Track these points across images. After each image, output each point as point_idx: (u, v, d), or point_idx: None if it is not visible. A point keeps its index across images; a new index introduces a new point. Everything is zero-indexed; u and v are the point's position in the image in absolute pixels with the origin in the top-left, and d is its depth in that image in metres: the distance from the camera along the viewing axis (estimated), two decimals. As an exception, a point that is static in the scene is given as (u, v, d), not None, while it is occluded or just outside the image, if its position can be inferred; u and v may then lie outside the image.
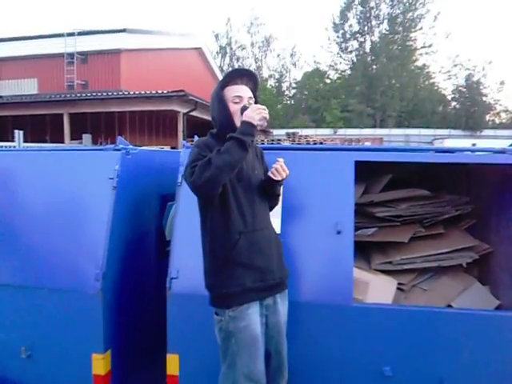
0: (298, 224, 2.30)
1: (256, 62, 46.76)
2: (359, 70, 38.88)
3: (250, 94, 1.96)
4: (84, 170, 2.57)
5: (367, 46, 40.58)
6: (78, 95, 13.65)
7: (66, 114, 13.15)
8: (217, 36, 46.04)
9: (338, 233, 2.22)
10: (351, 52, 41.70)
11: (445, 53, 57.69)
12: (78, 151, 2.97)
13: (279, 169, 1.90)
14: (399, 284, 2.48)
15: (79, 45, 16.40)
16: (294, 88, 46.46)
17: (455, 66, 38.01)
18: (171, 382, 2.28)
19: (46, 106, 13.36)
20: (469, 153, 2.53)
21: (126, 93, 13.45)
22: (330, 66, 43.43)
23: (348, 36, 40.97)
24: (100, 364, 2.36)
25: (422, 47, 39.67)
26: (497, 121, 39.79)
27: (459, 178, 3.02)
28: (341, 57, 42.36)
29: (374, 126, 34.93)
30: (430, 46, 39.27)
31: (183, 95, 12.35)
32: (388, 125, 35.38)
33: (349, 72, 41.83)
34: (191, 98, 12.79)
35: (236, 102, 1.91)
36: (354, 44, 41.25)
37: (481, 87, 36.16)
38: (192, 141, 2.34)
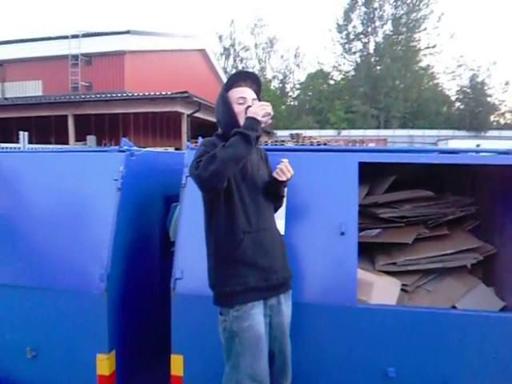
0: (301, 225, 2.30)
1: (260, 63, 46.79)
2: (363, 71, 38.78)
3: (254, 96, 1.98)
4: (88, 172, 2.58)
5: (371, 47, 40.45)
6: (83, 97, 13.70)
7: (71, 115, 13.20)
8: (220, 37, 46.11)
9: (342, 234, 2.23)
10: (355, 53, 41.56)
11: (449, 53, 57.63)
12: (82, 153, 2.99)
13: (284, 169, 1.91)
14: (403, 285, 2.48)
15: (83, 46, 16.48)
16: (297, 89, 46.41)
17: (459, 66, 37.78)
18: (175, 382, 2.29)
19: (50, 108, 13.43)
20: (473, 154, 2.52)
21: (130, 94, 13.51)
22: (334, 66, 43.35)
23: (352, 37, 40.84)
24: (105, 364, 2.37)
25: (425, 48, 39.47)
26: (502, 121, 39.52)
27: (463, 179, 3.01)
28: (344, 58, 42.26)
29: (378, 127, 34.80)
30: (434, 46, 39.08)
31: (187, 96, 12.37)
32: (392, 126, 35.24)
33: (352, 73, 41.70)
34: (195, 99, 12.81)
35: (240, 103, 1.93)
36: (358, 45, 41.11)
37: (485, 88, 35.90)
38: (196, 142, 2.35)
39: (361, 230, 2.57)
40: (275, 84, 46.61)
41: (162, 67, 18.17)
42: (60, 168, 2.66)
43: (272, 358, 1.94)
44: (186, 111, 13.33)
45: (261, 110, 1.79)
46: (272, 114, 1.82)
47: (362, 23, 40.14)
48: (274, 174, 1.94)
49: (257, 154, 2.06)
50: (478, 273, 2.69)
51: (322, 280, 2.26)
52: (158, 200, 2.94)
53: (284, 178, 1.92)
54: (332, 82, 42.69)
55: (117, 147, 2.70)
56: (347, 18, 40.27)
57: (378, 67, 39.07)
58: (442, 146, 25.21)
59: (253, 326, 1.82)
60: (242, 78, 2.00)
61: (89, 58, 16.82)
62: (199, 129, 13.18)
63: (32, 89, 17.28)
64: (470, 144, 21.87)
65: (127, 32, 16.34)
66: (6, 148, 7.95)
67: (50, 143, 13.45)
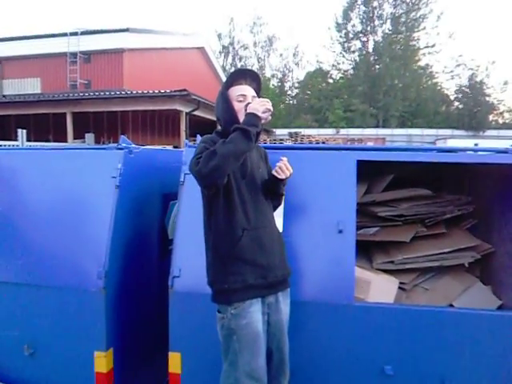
0: (300, 223, 2.30)
1: (259, 62, 46.81)
2: (362, 70, 38.83)
3: (254, 94, 1.99)
4: (87, 169, 2.57)
5: (370, 46, 40.48)
6: (81, 94, 13.70)
7: (69, 113, 13.18)
8: (219, 35, 46.11)
9: (340, 232, 2.23)
10: (354, 52, 41.62)
11: (448, 53, 57.72)
12: (80, 150, 2.98)
13: (283, 167, 1.92)
14: (401, 283, 2.48)
15: (82, 44, 16.47)
16: (296, 88, 46.43)
17: (458, 65, 37.87)
18: (173, 379, 2.29)
19: (48, 106, 13.41)
20: (471, 152, 2.53)
21: (128, 92, 13.48)
22: (333, 65, 43.39)
23: (351, 36, 40.88)
24: (102, 362, 2.37)
25: (424, 47, 39.54)
26: (500, 121, 39.60)
27: (461, 177, 3.02)
28: (343, 56, 42.31)
29: (377, 126, 34.83)
30: (433, 45, 39.14)
31: (186, 94, 12.36)
32: (391, 125, 35.26)
33: (351, 72, 41.75)
34: (194, 97, 12.79)
35: (240, 101, 1.94)
36: (357, 44, 41.18)
37: (484, 87, 35.98)
38: (194, 140, 2.35)
39: (359, 228, 2.57)
40: (274, 82, 46.63)
41: (160, 65, 18.15)
42: (58, 166, 2.65)
43: (270, 356, 1.94)
44: (184, 109, 13.31)
45: (261, 107, 1.79)
46: (272, 110, 1.82)
47: (362, 22, 40.18)
48: (273, 172, 1.95)
49: (257, 152, 2.07)
50: (476, 271, 2.70)
51: (320, 278, 2.26)
52: (156, 198, 2.93)
53: (283, 176, 1.92)
54: (331, 81, 42.73)
55: (115, 145, 2.69)
56: (346, 16, 40.31)
57: (377, 66, 39.12)
58: (440, 145, 25.22)
59: (251, 323, 1.83)
60: (242, 75, 2.01)
61: (87, 55, 16.81)
62: (198, 127, 13.16)
63: (30, 86, 17.26)
64: (468, 143, 21.89)
65: (126, 30, 16.34)
66: (4, 145, 7.93)
67: (48, 141, 13.43)
